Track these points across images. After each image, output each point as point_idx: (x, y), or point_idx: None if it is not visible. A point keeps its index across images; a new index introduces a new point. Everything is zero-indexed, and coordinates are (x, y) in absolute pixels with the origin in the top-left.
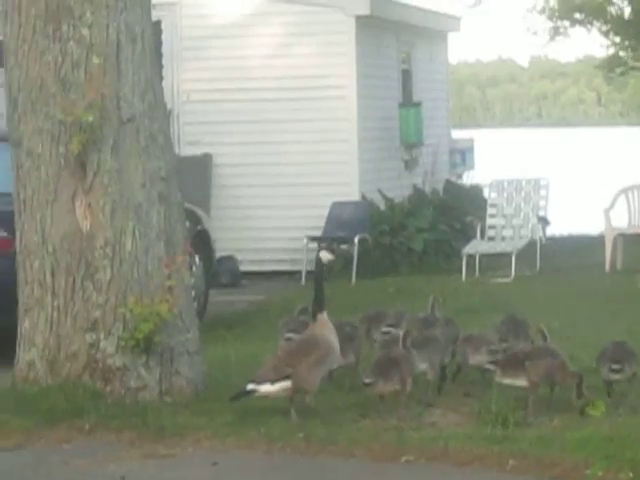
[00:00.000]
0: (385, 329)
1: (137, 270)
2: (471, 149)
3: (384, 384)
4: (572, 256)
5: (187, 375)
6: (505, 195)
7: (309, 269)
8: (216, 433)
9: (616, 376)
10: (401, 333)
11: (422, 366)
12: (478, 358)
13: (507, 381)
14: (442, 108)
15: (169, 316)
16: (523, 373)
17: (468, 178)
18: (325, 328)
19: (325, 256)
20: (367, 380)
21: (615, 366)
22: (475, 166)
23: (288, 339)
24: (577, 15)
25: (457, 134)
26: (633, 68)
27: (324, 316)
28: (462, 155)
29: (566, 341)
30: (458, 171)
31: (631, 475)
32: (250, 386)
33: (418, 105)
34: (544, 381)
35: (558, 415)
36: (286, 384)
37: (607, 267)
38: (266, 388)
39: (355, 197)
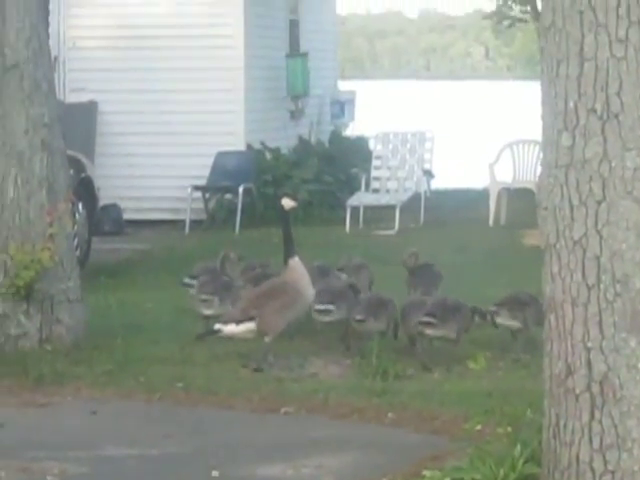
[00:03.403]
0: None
1: (19, 217)
2: (352, 101)
3: (374, 322)
4: (456, 210)
5: (67, 323)
6: (390, 147)
7: (193, 218)
8: (95, 382)
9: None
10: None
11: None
12: None
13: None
14: (329, 59)
15: (50, 264)
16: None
17: (353, 130)
18: (296, 273)
19: (287, 203)
20: (359, 317)
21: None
22: (355, 118)
23: (185, 284)
24: None
25: (344, 85)
26: (520, 20)
27: (296, 260)
28: (342, 107)
29: (449, 293)
30: (337, 122)
31: (509, 430)
32: (217, 325)
33: (305, 55)
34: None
35: (438, 368)
36: (250, 325)
37: (491, 221)
38: (231, 328)
39: (240, 147)
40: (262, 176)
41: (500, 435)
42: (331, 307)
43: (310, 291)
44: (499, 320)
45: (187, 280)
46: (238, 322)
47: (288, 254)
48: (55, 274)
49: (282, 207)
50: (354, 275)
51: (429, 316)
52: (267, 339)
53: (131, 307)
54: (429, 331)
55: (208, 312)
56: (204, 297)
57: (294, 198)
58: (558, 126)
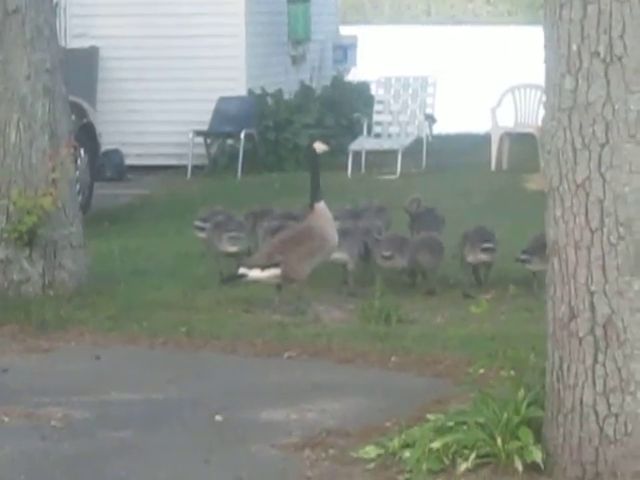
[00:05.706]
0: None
1: (21, 162)
2: (354, 46)
3: (400, 259)
4: (458, 154)
5: (70, 268)
6: (392, 92)
7: (194, 164)
8: (99, 327)
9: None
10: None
11: (342, 256)
12: None
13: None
14: (330, 4)
15: (52, 209)
16: None
17: (355, 75)
18: (322, 218)
19: (319, 147)
20: (386, 253)
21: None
22: (357, 63)
23: (197, 227)
24: None
25: (345, 30)
26: None
27: (321, 205)
28: (344, 51)
29: (452, 238)
30: (340, 67)
31: (513, 373)
32: (241, 270)
33: (307, 1)
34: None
35: (441, 312)
36: (275, 271)
37: (493, 166)
38: (255, 273)
39: (242, 92)
40: (263, 121)
41: (503, 379)
42: None
43: (335, 236)
44: (531, 267)
45: (198, 223)
46: (263, 267)
47: (314, 198)
48: (58, 219)
49: (314, 150)
50: (375, 217)
51: (488, 242)
52: (297, 287)
53: (134, 253)
54: (486, 257)
55: (233, 249)
56: (231, 234)
57: (327, 142)
58: (561, 69)
